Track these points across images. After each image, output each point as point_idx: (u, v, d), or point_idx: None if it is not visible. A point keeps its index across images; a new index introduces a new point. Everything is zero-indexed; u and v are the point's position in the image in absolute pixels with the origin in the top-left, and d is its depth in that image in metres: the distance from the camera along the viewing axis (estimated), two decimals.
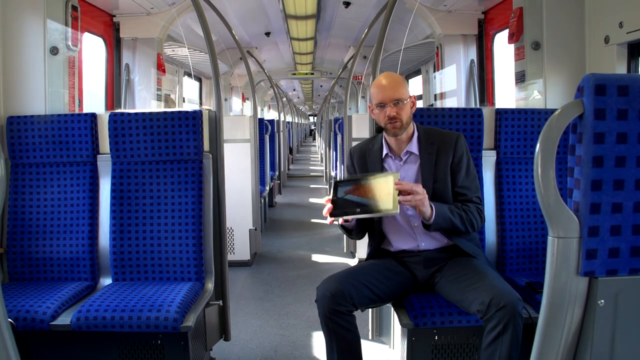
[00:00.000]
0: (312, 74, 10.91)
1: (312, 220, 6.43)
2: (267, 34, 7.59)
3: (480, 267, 1.86)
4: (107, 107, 4.19)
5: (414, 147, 2.01)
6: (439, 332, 1.93)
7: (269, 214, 6.59)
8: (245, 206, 4.35)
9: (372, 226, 2.07)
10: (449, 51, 4.57)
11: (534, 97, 2.83)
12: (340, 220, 1.80)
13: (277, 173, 7.74)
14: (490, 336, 1.62)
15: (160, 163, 2.39)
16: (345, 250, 4.73)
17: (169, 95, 5.42)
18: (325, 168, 10.06)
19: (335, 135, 7.70)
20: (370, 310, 2.58)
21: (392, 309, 2.07)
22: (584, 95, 0.99)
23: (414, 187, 1.78)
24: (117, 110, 2.72)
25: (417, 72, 6.64)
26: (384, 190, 1.73)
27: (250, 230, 4.37)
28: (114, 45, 4.25)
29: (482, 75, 4.46)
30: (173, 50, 5.39)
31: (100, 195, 2.45)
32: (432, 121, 2.34)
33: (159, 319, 1.92)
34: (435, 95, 5.38)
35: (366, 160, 2.08)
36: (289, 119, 15.78)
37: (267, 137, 5.90)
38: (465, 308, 1.78)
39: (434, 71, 5.29)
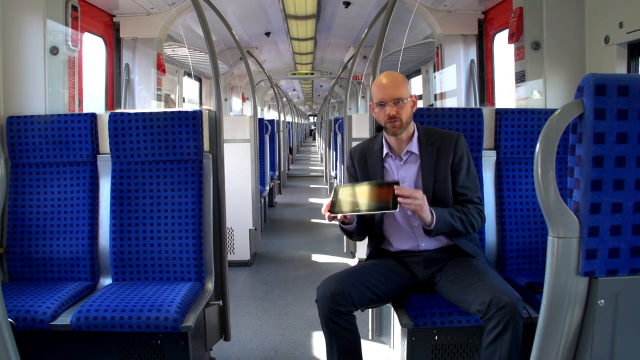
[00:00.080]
0: (312, 74, 10.91)
1: (312, 220, 6.43)
2: (267, 34, 7.59)
3: (480, 267, 1.86)
4: (107, 107, 4.19)
5: (414, 147, 2.01)
6: (439, 332, 1.93)
7: (269, 214, 6.59)
8: (245, 206, 4.35)
9: (372, 227, 2.07)
10: (449, 51, 4.57)
11: (534, 97, 2.83)
12: (339, 216, 1.81)
13: (277, 173, 7.74)
14: (490, 336, 1.62)
15: (160, 163, 2.39)
16: (345, 250, 4.73)
17: (169, 95, 5.42)
18: (325, 168, 10.06)
19: (335, 135, 7.70)
20: (370, 310, 2.58)
21: (392, 309, 2.07)
22: (584, 95, 0.99)
23: (413, 192, 1.79)
24: (117, 110, 2.72)
25: (417, 72, 6.64)
26: (384, 192, 1.77)
27: (250, 230, 4.37)
28: (114, 45, 4.25)
29: (482, 75, 4.46)
30: (173, 50, 5.39)
31: (100, 195, 2.45)
32: (432, 121, 2.34)
33: (159, 319, 1.92)
34: (435, 95, 5.38)
35: (366, 161, 2.08)
36: (289, 119, 15.79)
37: (267, 137, 5.90)
38: (465, 308, 1.78)
39: (434, 71, 5.29)
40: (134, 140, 2.39)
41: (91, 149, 2.44)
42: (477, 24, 4.45)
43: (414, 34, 5.52)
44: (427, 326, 1.86)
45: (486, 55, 4.40)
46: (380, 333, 2.63)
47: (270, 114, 18.50)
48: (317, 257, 4.69)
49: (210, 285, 2.36)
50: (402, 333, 2.03)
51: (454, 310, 1.86)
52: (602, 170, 0.99)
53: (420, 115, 2.32)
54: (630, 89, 0.98)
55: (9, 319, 1.22)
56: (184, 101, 6.10)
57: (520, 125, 2.37)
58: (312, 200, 8.31)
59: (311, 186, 10.08)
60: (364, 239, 2.14)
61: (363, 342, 1.89)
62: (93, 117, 2.45)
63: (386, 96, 1.92)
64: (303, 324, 3.11)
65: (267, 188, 5.96)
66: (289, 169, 12.28)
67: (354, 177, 2.14)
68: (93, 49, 4.06)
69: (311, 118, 38.09)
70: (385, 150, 2.05)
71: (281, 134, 8.85)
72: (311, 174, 12.44)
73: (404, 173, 2.02)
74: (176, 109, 4.40)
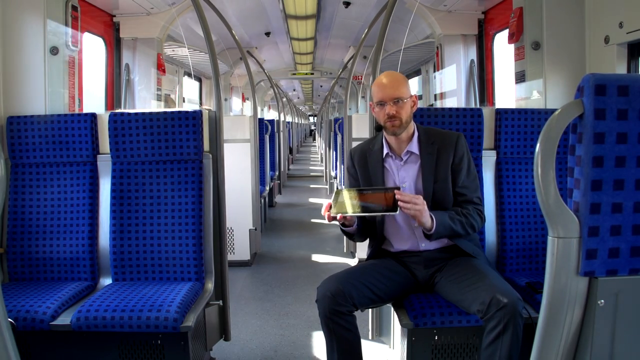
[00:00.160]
0: (312, 74, 10.91)
1: (312, 220, 6.43)
2: (267, 34, 7.59)
3: (480, 267, 1.86)
4: (107, 107, 4.19)
5: (414, 147, 2.01)
6: (439, 332, 1.93)
7: (269, 214, 6.59)
8: (245, 206, 4.35)
9: (373, 228, 2.07)
10: (449, 51, 4.57)
11: (534, 97, 2.83)
12: (339, 216, 1.81)
13: (277, 173, 7.74)
14: (490, 336, 1.62)
15: (160, 163, 2.39)
16: (345, 250, 4.73)
17: (169, 95, 5.42)
18: (325, 168, 10.06)
19: (335, 135, 7.70)
20: (370, 310, 2.58)
21: (392, 309, 2.07)
22: (584, 95, 0.99)
23: (413, 198, 1.79)
24: (117, 110, 2.72)
25: (417, 72, 6.64)
26: (385, 196, 1.79)
27: (250, 230, 4.37)
28: (114, 45, 4.25)
29: (482, 75, 4.46)
30: (173, 50, 5.39)
31: (100, 195, 2.45)
32: (432, 121, 2.34)
33: (159, 319, 1.92)
34: (435, 95, 5.38)
35: (367, 161, 2.08)
36: (289, 119, 15.79)
37: (267, 137, 5.90)
38: (465, 308, 1.78)
39: (434, 71, 5.29)
40: (134, 140, 2.39)
41: (91, 149, 2.44)
42: (477, 24, 4.45)
43: (414, 34, 5.52)
44: (427, 326, 1.86)
45: (486, 55, 4.40)
46: (380, 333, 2.63)
47: (270, 114, 18.50)
48: (317, 257, 4.69)
49: (210, 285, 2.36)
50: (402, 333, 2.03)
51: (454, 310, 1.86)
52: (602, 170, 0.99)
53: (420, 115, 2.32)
54: (630, 89, 0.98)
55: (9, 319, 1.22)
56: (184, 101, 6.10)
57: (520, 125, 2.37)
58: (312, 200, 8.31)
59: (311, 186, 10.08)
60: (365, 240, 2.14)
61: (363, 342, 1.89)
62: (93, 117, 2.45)
63: (386, 95, 1.92)
64: (303, 324, 3.11)
65: (267, 188, 5.96)
66: (289, 169, 12.28)
67: (354, 178, 2.14)
68: (93, 49, 4.06)
69: (311, 118, 38.09)
70: (385, 151, 2.05)
71: (281, 134, 8.85)
72: (311, 174, 12.44)
73: (404, 173, 2.02)
74: (176, 109, 4.40)
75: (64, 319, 2.00)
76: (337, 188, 2.00)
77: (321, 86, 17.36)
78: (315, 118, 31.62)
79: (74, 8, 3.25)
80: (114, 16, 4.21)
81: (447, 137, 2.00)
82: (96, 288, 2.36)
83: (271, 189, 6.85)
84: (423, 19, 4.61)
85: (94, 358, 2.06)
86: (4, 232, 2.39)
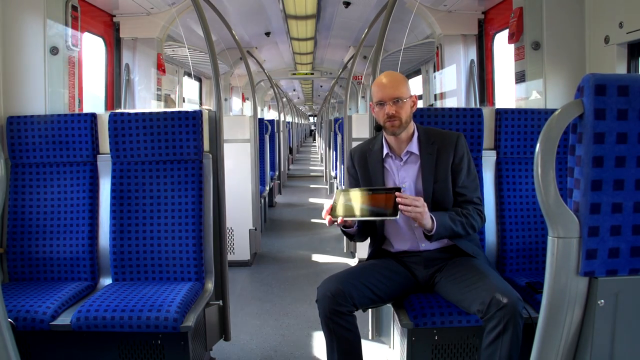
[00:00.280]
0: (312, 74, 10.90)
1: (312, 220, 6.43)
2: (267, 34, 7.59)
3: (480, 267, 1.86)
4: (107, 107, 4.19)
5: (414, 147, 2.01)
6: (439, 332, 1.93)
7: (269, 214, 6.59)
8: (245, 206, 4.35)
9: (373, 229, 2.07)
10: (449, 51, 4.57)
11: (534, 97, 2.83)
12: (340, 219, 1.81)
13: (277, 173, 7.74)
14: (490, 336, 1.62)
15: (160, 163, 2.39)
16: (345, 250, 4.73)
17: (169, 95, 5.42)
18: (325, 168, 10.06)
19: (335, 135, 7.70)
20: (370, 310, 2.58)
21: (392, 309, 2.07)
22: (584, 95, 0.99)
23: (414, 200, 1.78)
24: (117, 110, 2.72)
25: (417, 72, 6.64)
26: (385, 200, 1.78)
27: (250, 230, 4.37)
28: (114, 45, 4.25)
29: (482, 75, 4.46)
30: (173, 50, 5.39)
31: (100, 195, 2.45)
32: (432, 121, 2.34)
33: (159, 319, 1.92)
34: (435, 95, 5.38)
35: (367, 161, 2.08)
36: (289, 119, 15.78)
37: (267, 137, 5.90)
38: (465, 308, 1.78)
39: (434, 71, 5.29)
40: (134, 140, 2.39)
41: (91, 149, 2.43)
42: (477, 24, 4.45)
43: (414, 34, 5.52)
44: (427, 326, 1.86)
45: (486, 55, 4.40)
46: (380, 333, 2.62)
47: (270, 114, 18.50)
48: (317, 257, 4.69)
49: (210, 285, 2.36)
50: (402, 333, 2.03)
51: (454, 310, 1.86)
52: (602, 170, 0.99)
53: (420, 115, 2.32)
54: (630, 89, 0.98)
55: (9, 319, 1.22)
56: (184, 101, 6.10)
57: (520, 125, 2.37)
58: (312, 200, 8.31)
59: (311, 186, 10.08)
60: (365, 240, 2.14)
61: (363, 342, 1.89)
62: (93, 117, 2.45)
63: (385, 95, 1.92)
64: (303, 324, 3.11)
65: (267, 188, 5.96)
66: (289, 169, 12.28)
67: (354, 178, 2.14)
68: (93, 49, 4.06)
69: (311, 118, 38.09)
70: (385, 151, 2.05)
71: (281, 134, 8.85)
72: (311, 174, 12.44)
73: (404, 173, 2.02)
74: (176, 109, 4.39)
75: (64, 319, 2.00)
76: (337, 188, 1.98)
77: (321, 86, 17.35)
78: (315, 118, 31.62)
79: (74, 8, 3.25)
80: (114, 16, 4.21)
81: (447, 137, 2.00)
82: (96, 288, 2.36)
83: (271, 189, 6.85)
84: (423, 19, 4.61)
85: (94, 358, 2.06)
86: (4, 232, 2.39)
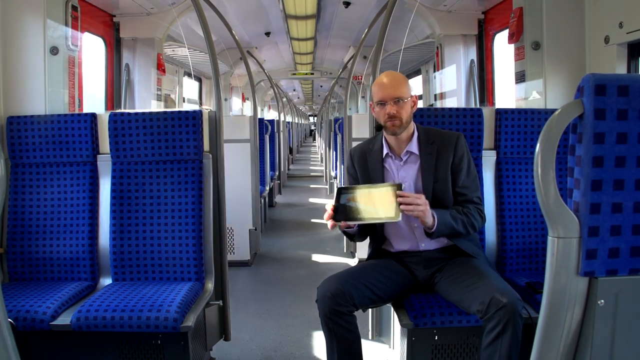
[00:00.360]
0: (312, 74, 10.91)
1: (312, 220, 6.43)
2: (267, 34, 7.59)
3: (480, 267, 1.86)
4: (107, 107, 4.19)
5: (414, 147, 2.01)
6: (439, 332, 1.93)
7: (269, 214, 6.59)
8: (245, 206, 4.35)
9: (373, 228, 2.07)
10: (449, 51, 4.57)
11: (534, 97, 2.83)
12: (342, 224, 1.80)
13: (277, 173, 7.74)
14: (490, 336, 1.62)
15: (160, 163, 2.39)
16: (345, 250, 4.73)
17: (169, 95, 5.42)
18: (325, 168, 10.06)
19: (335, 135, 7.70)
20: (370, 310, 2.58)
21: (392, 309, 2.07)
22: (584, 95, 0.99)
23: (415, 198, 1.78)
24: (117, 110, 2.72)
25: (417, 72, 6.64)
26: (386, 198, 1.76)
27: (250, 230, 4.37)
28: (114, 45, 4.25)
29: (482, 75, 4.46)
30: (173, 50, 5.39)
31: (100, 195, 2.45)
32: (432, 121, 2.34)
33: (159, 319, 1.92)
34: (435, 95, 5.38)
35: (367, 161, 2.08)
36: (289, 119, 15.78)
37: (267, 137, 5.90)
38: (465, 308, 1.78)
39: (434, 71, 5.29)
40: (134, 140, 2.39)
41: (91, 149, 2.43)
42: (477, 24, 4.45)
43: (414, 34, 5.52)
44: (427, 326, 1.86)
45: (486, 55, 4.40)
46: (380, 333, 2.63)
47: (270, 114, 18.50)
48: (317, 257, 4.69)
49: (210, 285, 2.36)
50: (402, 333, 2.03)
51: (454, 310, 1.86)
52: (602, 170, 0.99)
53: (420, 115, 2.32)
54: (630, 89, 0.98)
55: (9, 319, 1.22)
56: (184, 101, 6.10)
57: (520, 125, 2.37)
58: (312, 200, 8.31)
59: (311, 186, 10.08)
60: (365, 239, 2.14)
61: (363, 342, 1.89)
62: (93, 117, 2.45)
63: (386, 95, 1.92)
64: (303, 324, 3.11)
65: (267, 188, 5.96)
66: (289, 169, 12.28)
67: (354, 178, 2.14)
68: (93, 49, 4.06)
69: (311, 118, 38.09)
70: (385, 151, 2.05)
71: (281, 134, 8.85)
72: (311, 174, 12.44)
73: (404, 173, 2.02)
74: (176, 109, 4.40)
75: (64, 319, 2.00)
76: (337, 187, 1.96)
77: (321, 86, 17.35)
78: (315, 118, 31.62)
79: (74, 8, 3.25)
80: (114, 16, 4.21)
81: (446, 137, 2.00)
82: (96, 288, 2.36)
83: (271, 189, 6.85)
84: (423, 19, 4.61)
85: (94, 358, 2.06)
86: (4, 232, 2.39)
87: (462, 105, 4.53)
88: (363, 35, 4.51)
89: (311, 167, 14.33)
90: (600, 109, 0.98)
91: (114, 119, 2.39)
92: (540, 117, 2.37)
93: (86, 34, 3.71)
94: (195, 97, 7.44)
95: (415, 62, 6.43)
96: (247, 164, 4.36)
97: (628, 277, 1.03)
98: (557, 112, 1.00)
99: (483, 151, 2.37)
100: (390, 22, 2.50)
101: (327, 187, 9.15)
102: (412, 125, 2.03)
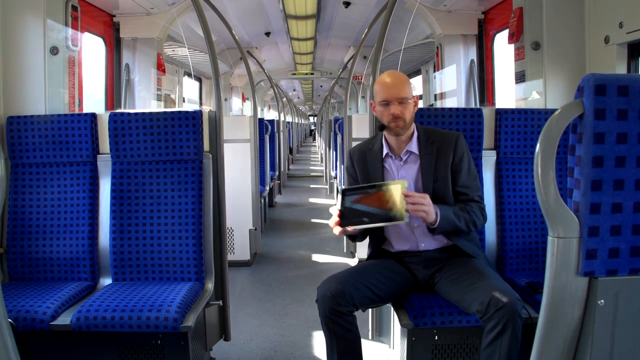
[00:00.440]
0: (312, 74, 10.91)
1: (312, 220, 6.43)
2: (267, 34, 7.59)
3: (480, 267, 1.86)
4: (107, 107, 4.19)
5: (413, 146, 2.01)
6: (439, 332, 1.93)
7: (269, 214, 6.59)
8: (245, 206, 4.35)
9: (373, 229, 2.07)
10: (449, 51, 4.57)
11: (534, 97, 2.83)
12: (350, 229, 1.79)
13: (277, 173, 7.73)
14: (489, 336, 1.62)
15: (160, 163, 2.39)
16: (345, 250, 4.73)
17: (169, 95, 5.42)
18: (325, 168, 10.06)
19: (335, 135, 7.70)
20: (370, 310, 2.58)
21: (392, 309, 2.07)
22: (584, 95, 0.99)
23: (419, 198, 1.78)
24: (117, 110, 2.72)
25: (417, 72, 6.64)
26: (392, 199, 1.74)
27: (250, 230, 4.37)
28: (114, 45, 4.25)
29: (482, 75, 4.46)
30: (173, 50, 5.39)
31: (100, 195, 2.45)
32: (432, 121, 2.34)
33: (159, 319, 1.92)
34: (435, 95, 5.38)
35: (366, 161, 2.08)
36: (289, 119, 15.78)
37: (267, 137, 5.90)
38: (465, 308, 1.78)
39: (434, 71, 5.29)
40: (134, 140, 2.39)
41: (91, 149, 2.43)
42: (477, 24, 4.45)
43: (414, 34, 5.52)
44: (427, 326, 1.86)
45: (486, 55, 4.40)
46: (380, 333, 2.63)
47: (270, 114, 18.50)
48: (317, 257, 4.69)
49: (210, 285, 2.36)
50: (402, 333, 2.03)
51: (454, 310, 1.86)
52: (602, 170, 0.99)
53: (420, 115, 2.32)
54: (630, 89, 0.98)
55: (9, 319, 1.22)
56: (184, 101, 6.10)
57: (520, 125, 2.37)
58: (312, 200, 8.31)
59: (311, 186, 10.08)
60: (365, 238, 2.14)
61: (363, 342, 1.89)
62: (93, 117, 2.45)
63: (391, 95, 1.91)
64: (303, 324, 3.11)
65: (267, 188, 5.96)
66: (289, 169, 12.28)
67: (353, 178, 2.14)
68: (93, 49, 4.06)
69: (311, 118, 38.09)
70: (385, 151, 2.05)
71: (281, 134, 8.85)
72: (311, 174, 12.43)
73: (404, 173, 2.02)
74: (176, 109, 4.40)
75: (64, 319, 2.00)
76: (341, 188, 1.93)
77: (321, 86, 17.36)
78: (315, 118, 31.62)
79: (74, 8, 3.25)
80: (114, 16, 4.21)
81: (446, 137, 2.00)
82: (96, 288, 2.36)
83: (271, 189, 6.84)
84: (423, 19, 4.61)
85: (94, 358, 2.06)
86: (4, 232, 2.39)
87: (462, 105, 4.53)
88: (363, 35, 4.51)
89: (311, 167, 14.33)
90: (600, 109, 0.98)
91: (114, 119, 2.39)
92: (540, 117, 2.37)
93: (86, 34, 3.71)
94: (195, 97, 7.44)
95: (415, 62, 6.43)
96: (247, 164, 4.36)
97: (628, 277, 1.03)
98: (557, 112, 1.00)
99: (483, 151, 2.37)
100: (390, 22, 2.50)
101: (327, 187, 9.15)
102: (412, 125, 2.03)
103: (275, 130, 7.67)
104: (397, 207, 1.72)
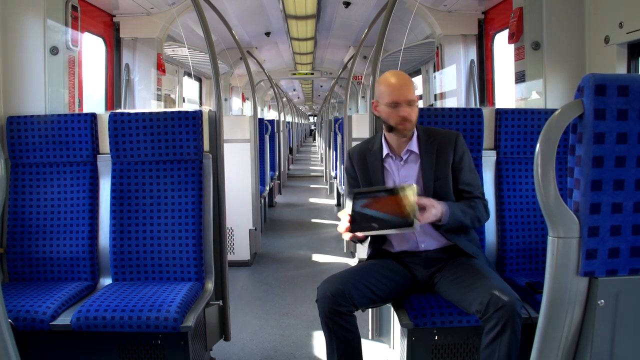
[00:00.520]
0: (312, 74, 10.91)
1: (312, 220, 6.43)
2: (267, 34, 7.59)
3: (479, 267, 1.86)
4: (107, 107, 4.19)
5: (414, 146, 2.02)
6: (439, 332, 1.93)
7: (269, 214, 6.59)
8: (245, 206, 4.35)
9: None
10: (449, 51, 4.57)
11: (533, 97, 2.83)
12: (360, 235, 1.79)
13: (277, 173, 7.73)
14: (489, 336, 1.62)
15: (160, 163, 2.39)
16: (345, 250, 4.73)
17: (169, 95, 5.42)
18: (325, 168, 10.06)
19: (335, 135, 7.70)
20: (370, 310, 2.58)
21: (392, 309, 2.07)
22: (584, 95, 0.99)
23: (431, 202, 1.79)
24: (117, 110, 2.72)
25: (417, 72, 6.64)
26: (402, 204, 1.71)
27: (250, 230, 4.37)
28: (114, 45, 4.25)
29: (482, 75, 4.46)
30: (173, 50, 5.39)
31: (100, 195, 2.45)
32: (432, 121, 2.34)
33: (159, 319, 1.92)
34: (435, 95, 5.38)
35: (366, 161, 2.08)
36: (289, 119, 15.78)
37: (267, 137, 5.90)
38: (464, 308, 1.78)
39: (434, 71, 5.29)
40: (134, 140, 2.39)
41: (91, 149, 2.43)
42: (477, 24, 4.45)
43: (414, 34, 5.52)
44: (427, 326, 1.86)
45: (486, 55, 4.40)
46: (380, 333, 2.63)
47: (270, 114, 18.50)
48: (317, 257, 4.69)
49: (210, 285, 2.36)
50: (402, 333, 2.03)
51: (454, 310, 1.86)
52: (602, 170, 0.99)
53: (420, 115, 2.31)
54: (630, 89, 0.98)
55: (9, 319, 1.22)
56: (184, 101, 6.10)
57: (520, 125, 2.37)
58: (312, 200, 8.31)
59: (311, 186, 10.07)
60: (366, 240, 2.14)
61: (363, 342, 1.89)
62: (93, 117, 2.45)
63: (401, 97, 1.91)
64: (303, 324, 3.11)
65: (267, 188, 5.95)
66: (289, 169, 12.28)
67: (353, 179, 2.13)
68: (93, 49, 4.06)
69: (311, 118, 38.09)
70: (385, 151, 2.05)
71: (281, 134, 8.85)
72: (311, 174, 12.43)
73: (405, 172, 2.02)
74: (176, 109, 4.40)
75: (64, 319, 2.00)
76: (350, 191, 1.90)
77: (321, 86, 17.36)
78: (315, 118, 31.61)
79: (74, 8, 3.25)
80: (114, 16, 4.21)
81: (446, 136, 2.02)
82: (96, 288, 2.36)
83: (271, 189, 6.84)
84: (423, 19, 4.61)
85: (94, 358, 2.06)
86: (4, 232, 2.39)
87: (462, 105, 4.53)
88: (363, 35, 4.51)
89: (311, 167, 14.33)
90: (600, 109, 0.98)
91: (114, 119, 2.39)
92: (540, 117, 2.37)
93: (86, 34, 3.71)
94: (195, 97, 7.44)
95: (415, 62, 6.43)
96: (247, 164, 4.36)
97: (628, 277, 1.03)
98: (557, 112, 1.00)
99: (483, 151, 2.37)
100: (390, 22, 2.50)
101: (327, 187, 9.15)
102: None
103: (275, 130, 7.67)
104: (407, 214, 1.70)
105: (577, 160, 1.01)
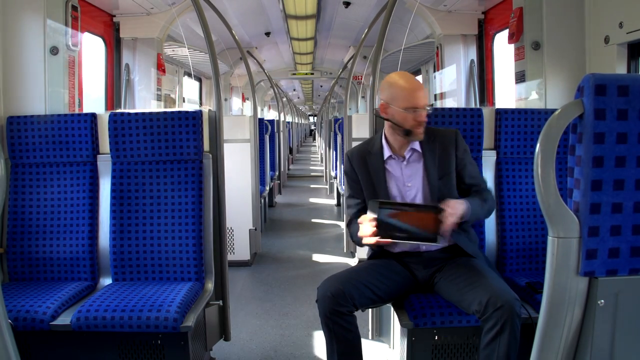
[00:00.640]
0: (312, 74, 10.91)
1: (312, 220, 6.43)
2: (267, 34, 7.59)
3: (479, 267, 1.87)
4: (107, 107, 4.19)
5: (416, 145, 2.02)
6: (439, 332, 1.94)
7: (269, 214, 6.59)
8: (245, 206, 4.35)
9: None
10: (449, 51, 4.57)
11: (533, 97, 2.83)
12: (386, 240, 1.82)
13: (277, 173, 7.73)
14: (488, 336, 1.62)
15: (160, 163, 2.39)
16: (345, 250, 4.73)
17: (169, 95, 5.42)
18: (325, 168, 10.06)
19: (335, 135, 7.70)
20: (370, 310, 2.58)
21: (392, 309, 2.07)
22: (584, 95, 0.99)
23: (454, 223, 1.81)
24: (117, 110, 2.72)
25: (417, 72, 6.64)
26: (427, 220, 1.81)
27: (250, 230, 4.37)
28: (114, 45, 4.25)
29: (482, 75, 4.46)
30: (173, 50, 5.39)
31: (100, 195, 2.45)
32: (432, 121, 2.34)
33: (159, 319, 1.92)
34: (435, 95, 5.38)
35: (367, 163, 2.06)
36: (289, 119, 15.78)
37: (267, 137, 5.90)
38: (464, 308, 1.78)
39: (434, 71, 5.29)
40: (134, 140, 2.39)
41: (91, 149, 2.43)
42: (477, 24, 4.45)
43: (414, 34, 5.52)
44: (427, 326, 1.86)
45: (486, 55, 4.40)
46: (380, 333, 2.63)
47: (270, 114, 18.50)
48: (317, 257, 4.69)
49: (210, 285, 2.36)
50: (402, 333, 2.03)
51: (454, 310, 1.86)
52: (602, 170, 0.99)
53: None
54: (630, 89, 0.98)
55: (9, 319, 1.22)
56: (184, 101, 6.10)
57: (520, 125, 2.37)
58: (312, 200, 8.31)
59: (311, 186, 10.07)
60: None
61: (363, 342, 1.89)
62: (93, 117, 2.45)
63: (421, 102, 1.92)
64: (303, 324, 3.11)
65: (267, 188, 5.95)
66: (289, 169, 12.28)
67: (354, 181, 2.11)
68: (93, 49, 4.06)
69: (311, 118, 38.09)
70: (387, 153, 2.04)
71: (281, 134, 8.85)
72: (311, 174, 12.43)
73: (409, 172, 2.02)
74: (176, 109, 4.40)
75: (64, 319, 2.00)
76: (373, 200, 1.92)
77: (321, 86, 17.36)
78: (315, 118, 31.61)
79: (74, 8, 3.25)
80: (114, 16, 4.21)
81: (445, 134, 2.04)
82: (96, 288, 2.36)
83: (271, 189, 6.84)
84: (423, 19, 4.61)
85: (94, 358, 2.06)
86: (4, 232, 2.39)
87: (462, 105, 4.53)
88: (363, 35, 4.51)
89: (311, 167, 14.32)
90: (600, 109, 0.98)
91: (114, 119, 2.39)
92: (540, 117, 2.37)
93: (86, 34, 3.71)
94: (195, 97, 7.44)
95: (415, 62, 6.43)
96: (247, 164, 4.36)
97: (628, 277, 1.03)
98: (557, 112, 1.00)
99: (483, 151, 2.37)
100: (390, 22, 2.50)
101: (327, 187, 9.15)
102: None
103: (275, 130, 7.67)
104: (431, 230, 1.80)
105: (577, 160, 1.01)
